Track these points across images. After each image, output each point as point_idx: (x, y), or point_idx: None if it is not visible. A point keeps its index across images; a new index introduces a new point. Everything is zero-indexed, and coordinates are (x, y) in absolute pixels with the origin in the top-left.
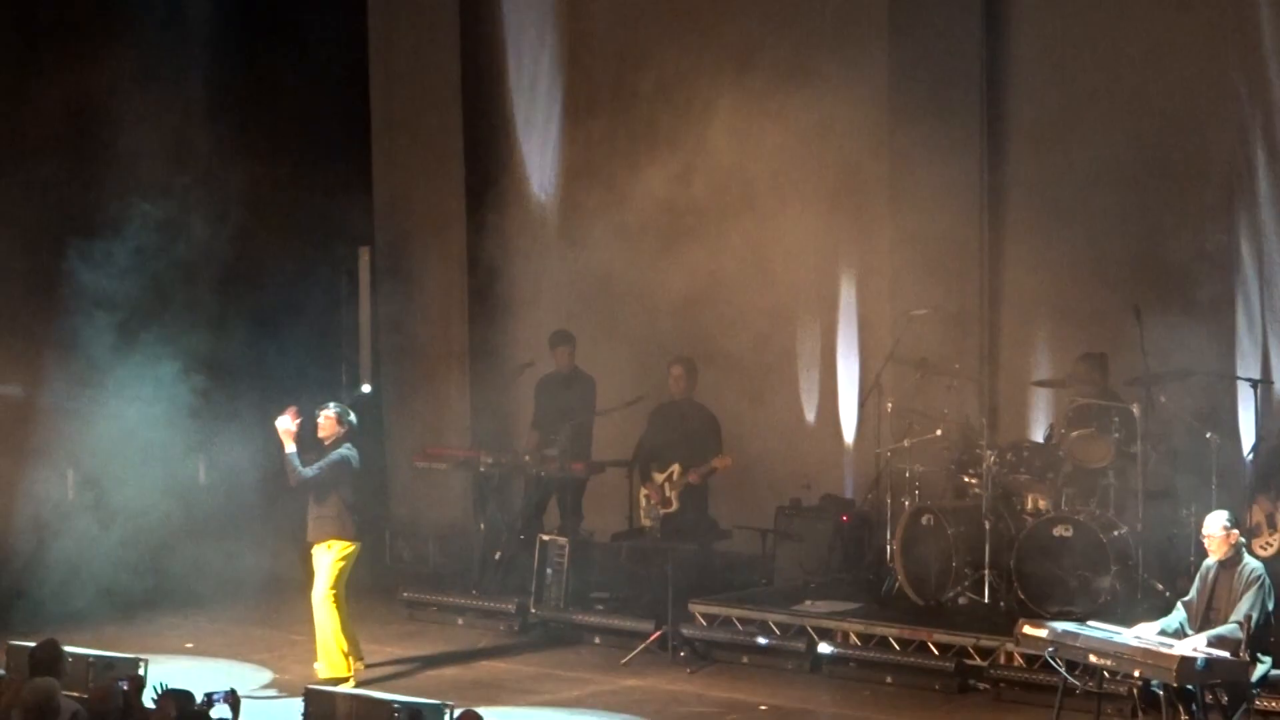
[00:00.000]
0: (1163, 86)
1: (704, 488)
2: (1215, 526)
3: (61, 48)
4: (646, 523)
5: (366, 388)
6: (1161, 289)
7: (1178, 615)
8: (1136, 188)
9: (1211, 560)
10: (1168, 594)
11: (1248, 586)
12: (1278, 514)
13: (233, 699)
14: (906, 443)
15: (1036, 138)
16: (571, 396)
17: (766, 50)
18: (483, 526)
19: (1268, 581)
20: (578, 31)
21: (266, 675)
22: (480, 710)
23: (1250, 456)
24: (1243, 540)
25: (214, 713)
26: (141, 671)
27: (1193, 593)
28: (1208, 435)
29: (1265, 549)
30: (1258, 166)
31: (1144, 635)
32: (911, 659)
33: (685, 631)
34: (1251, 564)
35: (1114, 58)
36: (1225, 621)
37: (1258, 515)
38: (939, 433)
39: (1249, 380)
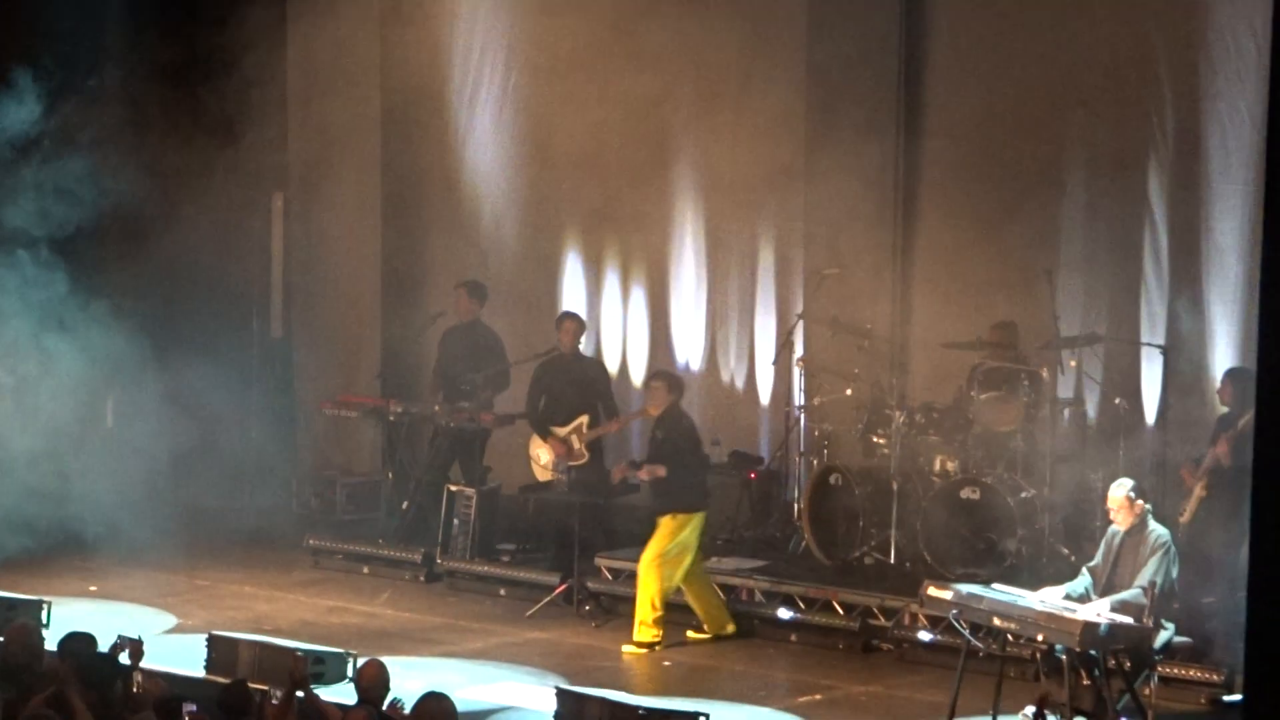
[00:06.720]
0: (1081, 58)
1: (600, 442)
2: (1119, 495)
3: None
4: (544, 477)
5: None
6: (1071, 254)
7: (1083, 580)
8: (1049, 153)
9: (1117, 528)
10: (1073, 559)
11: (1152, 553)
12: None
13: (135, 648)
14: (817, 401)
15: (953, 103)
16: (476, 346)
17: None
18: (390, 475)
19: (1172, 549)
20: None
21: (170, 619)
22: (384, 659)
23: (1154, 423)
24: (1148, 508)
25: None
26: (44, 614)
27: (1098, 558)
28: (1115, 401)
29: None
30: (1168, 139)
31: (1049, 600)
32: (816, 618)
33: (591, 585)
34: (1157, 531)
35: (1030, 32)
36: (1129, 587)
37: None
38: (849, 392)
39: (1155, 346)
